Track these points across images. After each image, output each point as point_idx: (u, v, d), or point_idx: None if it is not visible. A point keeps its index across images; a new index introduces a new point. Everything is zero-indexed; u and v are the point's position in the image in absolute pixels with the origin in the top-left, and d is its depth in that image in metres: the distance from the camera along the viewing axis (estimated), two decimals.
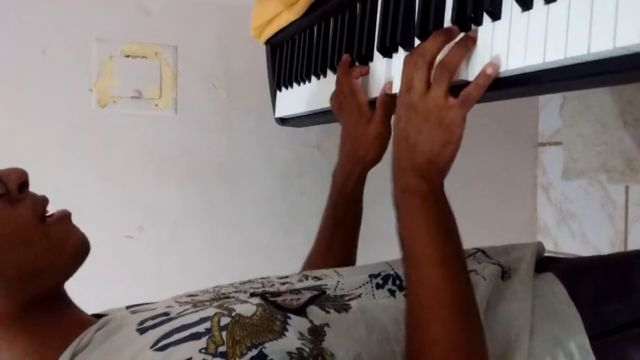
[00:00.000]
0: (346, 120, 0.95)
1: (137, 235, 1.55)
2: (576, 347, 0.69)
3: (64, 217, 0.63)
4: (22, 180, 0.61)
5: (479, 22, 0.67)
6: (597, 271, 0.82)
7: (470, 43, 0.67)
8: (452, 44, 0.68)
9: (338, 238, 0.97)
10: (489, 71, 0.64)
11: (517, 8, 0.62)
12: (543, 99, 1.88)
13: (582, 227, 1.74)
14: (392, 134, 0.71)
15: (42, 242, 0.60)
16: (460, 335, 0.59)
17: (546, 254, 0.88)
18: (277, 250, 1.64)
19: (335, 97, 0.97)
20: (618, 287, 0.77)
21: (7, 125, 1.43)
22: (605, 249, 1.65)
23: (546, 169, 1.89)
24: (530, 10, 0.60)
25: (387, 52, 0.86)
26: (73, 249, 0.63)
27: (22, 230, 0.59)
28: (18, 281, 0.58)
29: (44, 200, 0.63)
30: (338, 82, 0.95)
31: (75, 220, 1.54)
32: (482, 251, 0.85)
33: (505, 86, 0.65)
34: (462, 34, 0.69)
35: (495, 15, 0.64)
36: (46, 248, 0.60)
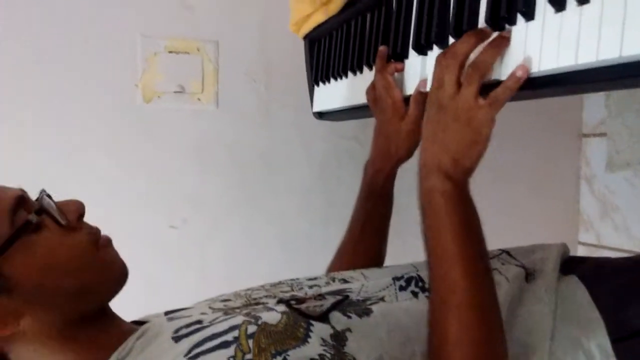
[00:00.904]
0: (380, 115, 0.96)
1: (181, 225, 1.60)
2: (598, 350, 0.70)
3: (109, 243, 0.69)
4: (80, 211, 0.66)
5: (512, 22, 0.67)
6: (621, 273, 0.81)
7: (502, 44, 0.67)
8: (485, 44, 0.68)
9: (368, 230, 0.98)
10: (519, 74, 0.64)
11: (550, 9, 0.61)
12: None
13: (626, 221, 1.70)
14: (422, 132, 0.71)
15: (95, 266, 0.66)
16: (479, 335, 0.60)
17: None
18: (316, 241, 1.66)
19: (371, 90, 0.98)
20: None
21: (56, 120, 1.50)
22: None
23: (590, 160, 1.85)
24: (564, 12, 0.60)
25: (422, 50, 0.87)
26: (118, 273, 0.68)
27: (81, 255, 0.64)
28: (72, 299, 0.63)
29: (98, 230, 0.68)
30: (375, 77, 0.96)
31: (123, 210, 1.59)
32: (507, 252, 0.85)
33: (539, 86, 0.65)
34: (495, 34, 0.69)
35: (529, 16, 0.64)
36: (98, 271, 0.66)
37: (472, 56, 0.68)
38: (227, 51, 1.60)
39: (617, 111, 1.70)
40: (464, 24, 0.74)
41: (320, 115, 1.34)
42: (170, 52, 1.56)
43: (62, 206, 0.65)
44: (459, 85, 0.67)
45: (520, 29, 0.66)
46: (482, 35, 0.69)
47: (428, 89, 0.84)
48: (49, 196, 0.66)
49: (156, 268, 1.55)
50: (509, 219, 1.78)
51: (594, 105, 1.82)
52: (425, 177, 0.68)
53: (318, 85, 1.31)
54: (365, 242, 0.98)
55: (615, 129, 1.70)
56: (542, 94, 0.69)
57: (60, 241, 0.63)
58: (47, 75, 1.49)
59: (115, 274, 0.68)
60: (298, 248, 1.67)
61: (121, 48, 1.54)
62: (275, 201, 1.67)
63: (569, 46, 0.59)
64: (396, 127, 0.92)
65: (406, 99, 0.91)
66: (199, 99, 1.58)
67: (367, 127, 1.69)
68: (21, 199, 0.63)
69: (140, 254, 1.47)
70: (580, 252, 1.84)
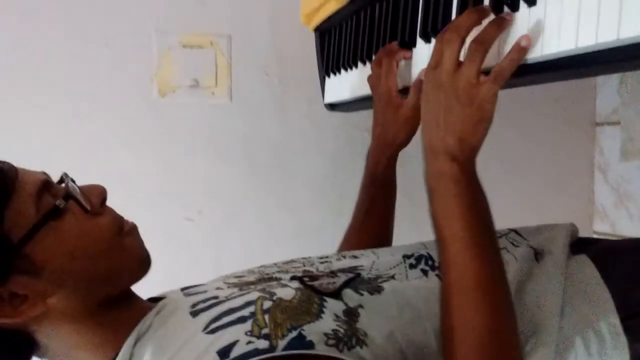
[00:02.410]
0: (377, 102, 0.97)
1: (197, 218, 1.63)
2: (607, 328, 0.69)
3: (135, 230, 0.70)
4: (103, 196, 0.67)
5: (515, 8, 0.68)
6: (632, 254, 0.81)
7: (504, 23, 0.66)
8: (486, 22, 0.67)
9: (371, 216, 1.00)
10: (523, 43, 0.63)
11: None
12: (601, 77, 1.83)
13: None
14: (421, 114, 0.69)
15: (119, 251, 0.67)
16: (490, 318, 0.59)
17: (583, 236, 0.88)
18: (329, 231, 1.67)
19: (373, 76, 0.98)
20: None
21: (75, 114, 1.53)
22: None
23: (603, 149, 1.84)
24: None
25: (429, 38, 0.88)
26: (141, 260, 0.69)
27: (104, 240, 0.65)
28: (97, 282, 0.65)
29: (121, 217, 0.69)
30: (377, 61, 0.95)
31: (139, 203, 1.61)
32: (515, 231, 0.85)
33: (543, 70, 0.66)
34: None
35: (531, 1, 0.65)
36: (121, 257, 0.67)
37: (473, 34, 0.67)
38: (239, 45, 1.62)
39: (631, 99, 1.69)
40: None
41: (332, 106, 1.36)
42: (184, 46, 1.58)
43: (85, 190, 0.66)
44: (458, 62, 0.65)
45: (523, 15, 0.67)
46: (483, 13, 0.68)
47: None
48: (73, 180, 0.67)
49: (172, 260, 1.57)
50: (522, 210, 1.77)
51: (608, 93, 1.81)
52: (432, 161, 0.66)
53: (329, 76, 1.33)
54: (368, 228, 1.00)
55: (629, 117, 1.69)
56: (546, 79, 0.70)
57: (85, 226, 0.64)
58: (66, 70, 1.52)
59: (138, 261, 0.69)
60: (311, 239, 1.69)
61: (136, 43, 1.56)
62: (288, 193, 1.69)
63: (569, 30, 0.60)
64: (391, 115, 0.93)
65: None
66: (213, 93, 1.61)
67: None
68: (46, 183, 0.64)
69: (157, 247, 1.50)
70: None
